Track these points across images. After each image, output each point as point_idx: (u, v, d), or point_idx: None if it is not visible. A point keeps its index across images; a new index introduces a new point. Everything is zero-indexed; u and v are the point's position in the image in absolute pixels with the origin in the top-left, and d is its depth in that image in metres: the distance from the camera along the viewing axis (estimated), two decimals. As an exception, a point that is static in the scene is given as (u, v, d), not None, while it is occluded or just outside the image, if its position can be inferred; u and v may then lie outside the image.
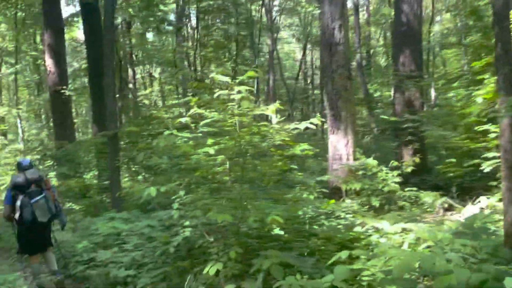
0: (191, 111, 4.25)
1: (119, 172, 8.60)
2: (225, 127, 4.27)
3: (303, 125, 3.99)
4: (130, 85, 19.17)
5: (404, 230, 4.86)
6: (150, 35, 27.93)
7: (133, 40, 21.43)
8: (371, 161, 6.93)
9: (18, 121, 19.00)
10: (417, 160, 7.64)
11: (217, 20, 22.65)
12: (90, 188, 10.92)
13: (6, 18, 17.57)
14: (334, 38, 7.47)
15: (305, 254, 4.37)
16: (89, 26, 12.74)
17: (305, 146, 4.07)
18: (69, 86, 14.67)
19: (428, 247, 4.00)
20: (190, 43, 21.64)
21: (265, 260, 3.70)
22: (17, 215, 4.87)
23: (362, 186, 6.72)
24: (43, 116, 21.96)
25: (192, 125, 4.45)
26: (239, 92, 4.13)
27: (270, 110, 3.97)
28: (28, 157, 6.57)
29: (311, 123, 3.96)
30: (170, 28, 19.93)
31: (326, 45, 7.59)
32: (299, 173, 5.33)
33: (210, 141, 4.19)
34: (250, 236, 4.40)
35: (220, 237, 4.61)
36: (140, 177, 11.31)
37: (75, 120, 24.69)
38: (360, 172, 7.21)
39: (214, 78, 4.21)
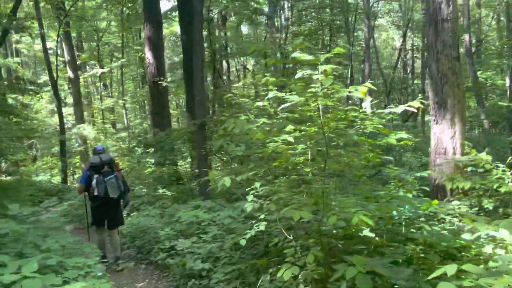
0: (270, 94, 3.75)
1: (206, 160, 8.50)
2: (307, 111, 3.71)
3: (400, 108, 3.26)
4: (224, 77, 19.36)
5: (529, 241, 3.88)
6: (244, 29, 28.18)
7: (228, 33, 21.69)
8: (484, 156, 5.81)
9: (124, 111, 20.34)
10: (544, 156, 6.28)
11: (312, 11, 21.91)
12: (182, 175, 11.12)
13: (114, 15, 18.81)
14: (441, 13, 6.42)
15: (400, 262, 3.66)
16: (183, 18, 12.93)
17: (402, 134, 3.34)
18: (168, 78, 15.21)
19: None
20: (283, 35, 21.22)
21: (350, 267, 3.10)
22: (94, 192, 5.57)
23: (471, 185, 5.65)
24: (146, 107, 23.25)
25: (271, 110, 3.96)
26: (324, 72, 3.55)
27: (360, 91, 3.31)
28: (101, 144, 7.42)
29: (409, 105, 3.22)
30: (263, 20, 19.70)
31: (431, 22, 6.56)
32: (395, 167, 4.55)
33: (289, 127, 3.67)
34: (334, 236, 3.81)
35: (301, 234, 4.09)
36: (230, 167, 11.24)
37: (175, 111, 25.91)
38: (469, 169, 6.12)
39: (297, 58, 3.66)
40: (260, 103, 3.78)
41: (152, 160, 11.84)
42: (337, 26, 19.66)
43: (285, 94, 3.71)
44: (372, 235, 3.89)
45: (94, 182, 5.53)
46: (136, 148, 10.52)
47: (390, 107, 3.40)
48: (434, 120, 6.64)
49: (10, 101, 20.04)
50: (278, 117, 3.84)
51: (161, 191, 10.27)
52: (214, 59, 16.72)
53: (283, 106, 3.64)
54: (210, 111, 16.10)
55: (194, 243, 5.19)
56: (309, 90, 3.53)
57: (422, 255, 3.80)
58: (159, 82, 13.23)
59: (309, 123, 3.67)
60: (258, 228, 3.68)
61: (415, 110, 3.25)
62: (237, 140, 4.25)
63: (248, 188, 3.80)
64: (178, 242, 5.45)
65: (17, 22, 8.46)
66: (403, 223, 4.07)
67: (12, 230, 4.35)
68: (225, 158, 10.90)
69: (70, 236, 7.25)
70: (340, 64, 18.51)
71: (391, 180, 5.11)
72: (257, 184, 3.77)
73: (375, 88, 3.41)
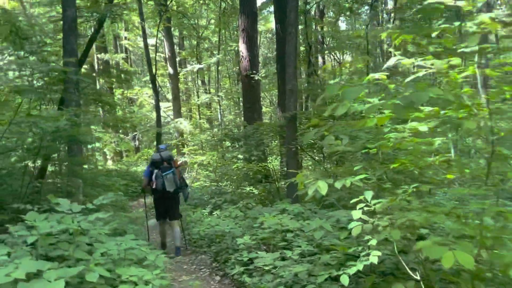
0: (391, 60, 2.44)
1: (296, 158, 7.31)
2: (455, 86, 2.32)
3: None
4: (319, 72, 17.99)
5: None
6: (342, 26, 26.42)
7: (325, 28, 20.27)
8: None
9: (218, 107, 20.04)
10: None
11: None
12: (270, 173, 10.06)
13: (212, 11, 18.49)
14: None
15: None
16: (279, 10, 11.90)
17: None
18: (261, 73, 14.34)
19: None
20: (386, 26, 19.13)
21: None
22: (154, 185, 5.88)
23: None
24: (240, 104, 22.82)
25: (391, 86, 2.63)
26: (481, 23, 2.15)
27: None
28: (164, 144, 7.88)
29: None
30: (365, 10, 17.89)
31: None
32: None
33: (421, 111, 2.32)
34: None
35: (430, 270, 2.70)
36: (322, 167, 9.92)
37: (267, 109, 25.16)
38: None
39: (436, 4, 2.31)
40: (376, 75, 2.47)
41: (242, 156, 11.01)
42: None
43: (417, 60, 2.37)
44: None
45: (154, 176, 5.90)
46: (223, 142, 9.61)
47: None
48: None
49: (117, 94, 20.99)
50: (402, 95, 2.48)
51: (248, 188, 9.34)
52: (309, 52, 15.46)
53: (414, 76, 2.30)
54: (303, 107, 14.90)
55: (277, 261, 4.04)
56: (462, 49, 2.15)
57: None
58: (252, 76, 12.42)
59: (456, 103, 2.28)
60: (367, 261, 2.39)
61: None
62: (338, 131, 2.98)
63: (354, 200, 2.51)
64: (258, 255, 4.35)
65: (112, 9, 8.10)
66: None
67: (67, 228, 3.61)
68: (317, 157, 9.61)
69: (144, 233, 6.57)
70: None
71: None
72: (367, 194, 2.47)
73: None
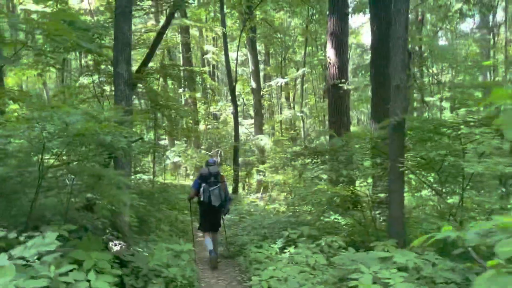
0: None
1: (402, 180, 5.02)
2: None
3: None
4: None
5: None
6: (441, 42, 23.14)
7: (424, 39, 17.44)
8: None
9: (302, 123, 18.13)
10: None
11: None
12: (361, 199, 7.70)
13: (297, 19, 16.79)
14: None
15: None
16: (375, 8, 9.73)
17: None
18: (351, 84, 12.20)
19: None
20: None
21: None
22: (201, 198, 5.93)
23: None
24: (326, 123, 20.64)
25: None
26: None
27: None
28: (213, 158, 7.10)
29: None
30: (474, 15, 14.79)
31: None
32: None
33: None
34: None
35: None
36: (425, 192, 7.35)
37: (354, 128, 22.52)
38: None
39: None
40: None
41: (325, 176, 8.80)
42: None
43: None
44: None
45: (201, 190, 5.90)
46: (297, 160, 7.37)
47: None
48: None
49: (201, 110, 20.20)
50: None
51: (332, 217, 7.13)
52: (409, 61, 12.89)
53: None
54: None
55: None
56: None
57: None
58: (340, 85, 10.35)
59: None
60: None
61: None
62: None
63: None
64: None
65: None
66: None
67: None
68: (423, 175, 6.95)
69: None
70: None
71: None
72: None
73: None
